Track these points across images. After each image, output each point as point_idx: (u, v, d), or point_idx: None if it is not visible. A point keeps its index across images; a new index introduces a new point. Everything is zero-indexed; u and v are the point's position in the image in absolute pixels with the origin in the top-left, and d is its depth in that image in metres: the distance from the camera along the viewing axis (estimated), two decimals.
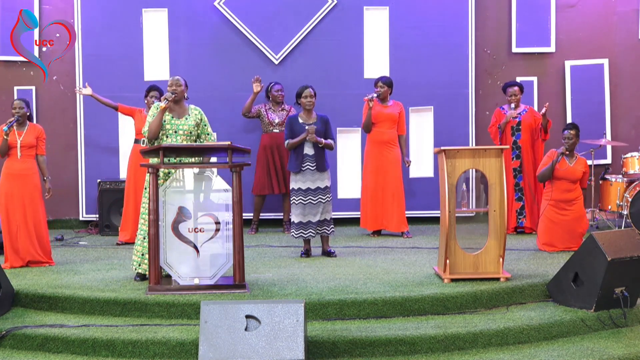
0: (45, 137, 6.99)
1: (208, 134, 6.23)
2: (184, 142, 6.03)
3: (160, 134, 6.03)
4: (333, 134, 7.24)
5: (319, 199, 7.04)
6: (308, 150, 7.03)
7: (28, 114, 6.87)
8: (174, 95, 6.03)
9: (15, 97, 7.03)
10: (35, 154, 6.89)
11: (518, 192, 8.27)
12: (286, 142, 7.09)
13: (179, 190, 5.81)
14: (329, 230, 7.12)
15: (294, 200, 7.10)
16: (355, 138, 8.95)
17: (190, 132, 6.09)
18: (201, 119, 6.18)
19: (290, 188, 7.14)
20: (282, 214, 8.87)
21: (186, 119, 6.10)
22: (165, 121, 6.02)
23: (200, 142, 6.17)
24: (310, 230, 7.08)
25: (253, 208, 8.71)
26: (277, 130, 8.57)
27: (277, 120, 8.58)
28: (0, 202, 6.77)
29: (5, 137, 6.65)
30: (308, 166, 7.03)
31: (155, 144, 5.92)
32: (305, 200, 7.04)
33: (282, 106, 8.68)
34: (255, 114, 8.67)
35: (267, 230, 8.91)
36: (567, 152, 7.19)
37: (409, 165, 8.42)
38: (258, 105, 8.71)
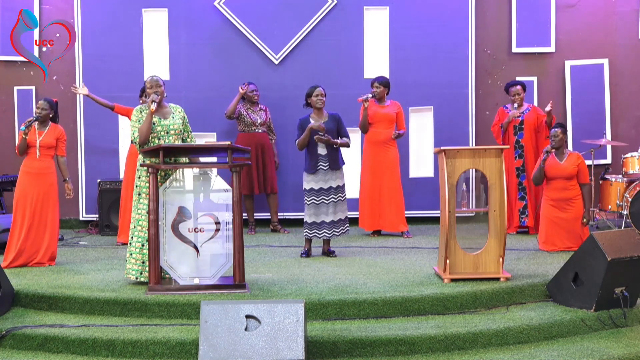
0: (66, 139, 7.01)
1: (189, 132, 6.17)
2: (176, 142, 5.99)
3: (151, 137, 5.93)
4: (346, 131, 7.20)
5: (332, 199, 7.03)
6: (321, 150, 7.01)
7: (51, 115, 6.90)
8: (159, 97, 5.96)
9: (45, 98, 7.06)
10: (55, 155, 6.92)
11: (521, 192, 8.28)
12: (296, 141, 7.08)
13: (179, 190, 5.81)
14: (339, 231, 7.07)
15: (306, 201, 7.08)
16: (356, 138, 8.94)
17: (181, 131, 6.06)
18: (184, 117, 6.13)
19: (303, 188, 7.12)
20: (269, 214, 8.86)
21: (173, 118, 6.04)
22: (154, 123, 5.94)
23: (184, 141, 6.11)
24: (325, 230, 7.06)
25: (245, 209, 8.72)
26: (260, 131, 8.59)
27: (259, 121, 8.59)
28: (16, 200, 6.80)
29: (24, 135, 6.68)
30: (321, 166, 7.01)
31: (146, 148, 5.85)
32: (317, 200, 7.02)
33: (260, 106, 8.70)
34: (236, 116, 8.65)
35: (267, 230, 8.92)
36: (553, 151, 7.19)
37: (395, 137, 8.22)
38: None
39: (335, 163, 7.03)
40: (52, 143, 6.85)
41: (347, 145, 7.11)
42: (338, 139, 7.07)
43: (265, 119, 8.63)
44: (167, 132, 5.98)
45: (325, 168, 7.01)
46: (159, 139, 5.95)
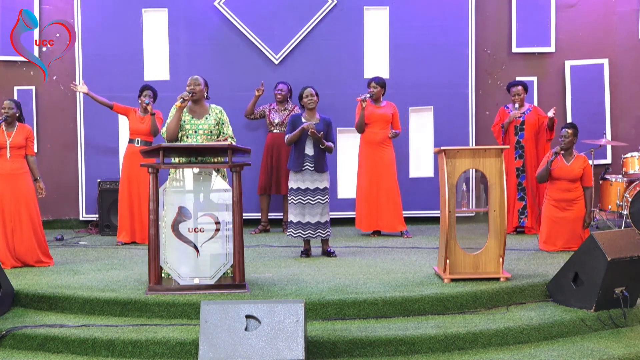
0: (34, 138, 6.97)
1: (225, 133, 6.10)
2: (205, 142, 5.96)
3: (180, 135, 5.96)
4: (334, 137, 7.22)
5: (318, 200, 7.04)
6: (308, 150, 7.03)
7: (18, 114, 6.86)
8: (191, 95, 5.95)
9: (9, 98, 6.99)
10: (25, 154, 6.88)
11: (520, 192, 8.27)
12: (286, 137, 7.10)
13: (179, 190, 5.80)
14: (324, 234, 7.08)
15: (292, 200, 7.09)
16: (355, 138, 8.93)
17: (211, 132, 6.01)
18: (221, 118, 6.09)
19: (289, 187, 7.14)
20: (282, 213, 8.89)
21: (206, 118, 6.01)
22: (184, 121, 5.96)
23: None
24: (309, 230, 7.07)
25: (259, 208, 8.73)
26: (277, 131, 8.59)
27: (277, 121, 8.60)
28: None
29: None
30: (307, 166, 7.03)
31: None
32: (304, 200, 7.04)
33: (286, 106, 8.70)
34: (259, 115, 8.69)
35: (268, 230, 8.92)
36: (563, 152, 7.18)
37: (392, 137, 8.21)
38: (263, 105, 8.72)
39: (321, 166, 7.04)
40: (22, 143, 6.80)
41: (330, 149, 7.10)
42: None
43: (284, 119, 8.61)
44: (196, 132, 5.98)
45: (310, 168, 7.02)
46: (187, 138, 5.96)
